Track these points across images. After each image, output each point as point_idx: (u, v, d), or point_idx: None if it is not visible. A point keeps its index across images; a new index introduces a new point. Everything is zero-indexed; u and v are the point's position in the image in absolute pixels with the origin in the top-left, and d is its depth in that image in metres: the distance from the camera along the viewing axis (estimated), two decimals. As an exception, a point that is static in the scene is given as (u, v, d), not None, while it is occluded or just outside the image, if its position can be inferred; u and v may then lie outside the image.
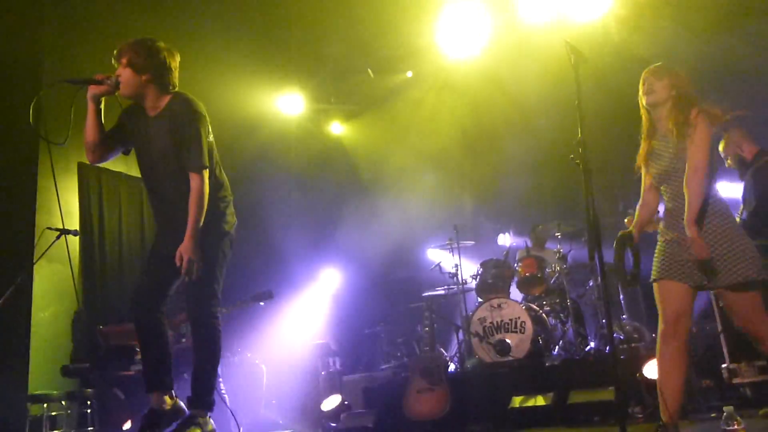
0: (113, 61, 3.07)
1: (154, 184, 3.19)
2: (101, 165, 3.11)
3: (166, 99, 3.11)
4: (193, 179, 3.02)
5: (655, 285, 2.92)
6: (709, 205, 2.80)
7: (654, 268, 2.92)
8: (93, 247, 6.28)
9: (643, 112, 2.99)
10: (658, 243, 2.95)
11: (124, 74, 3.00)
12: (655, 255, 2.94)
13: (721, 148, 4.30)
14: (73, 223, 6.05)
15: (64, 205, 5.63)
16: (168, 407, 3.02)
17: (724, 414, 2.55)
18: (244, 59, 7.42)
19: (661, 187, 2.95)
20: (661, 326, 2.87)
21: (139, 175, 3.29)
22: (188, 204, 3.00)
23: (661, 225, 2.99)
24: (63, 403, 5.13)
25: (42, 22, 6.26)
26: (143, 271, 3.37)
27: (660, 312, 2.90)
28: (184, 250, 2.94)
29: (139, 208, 6.89)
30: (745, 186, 4.18)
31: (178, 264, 2.94)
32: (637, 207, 3.11)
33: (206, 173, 3.05)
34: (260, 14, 7.17)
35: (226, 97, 7.02)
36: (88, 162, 3.24)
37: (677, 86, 2.88)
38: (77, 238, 5.55)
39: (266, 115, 8.14)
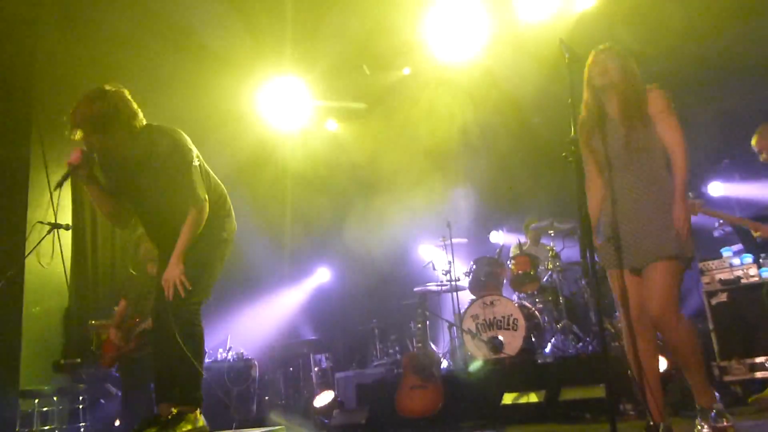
0: (73, 133, 2.99)
1: (144, 217, 3.25)
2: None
3: (138, 137, 3.06)
4: (192, 211, 3.05)
5: (611, 273, 2.83)
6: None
7: (606, 259, 2.82)
8: (85, 242, 6.26)
9: (590, 93, 2.89)
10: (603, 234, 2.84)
11: (96, 140, 2.97)
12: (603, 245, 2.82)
13: (754, 141, 4.24)
14: (66, 218, 6.02)
15: (56, 200, 5.60)
16: (171, 417, 3.03)
17: (714, 411, 2.57)
18: (240, 55, 7.40)
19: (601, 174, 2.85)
20: (625, 321, 2.79)
21: None
22: (176, 230, 3.06)
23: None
24: (54, 399, 5.12)
25: (36, 21, 6.22)
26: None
27: (620, 305, 2.82)
28: (168, 275, 3.00)
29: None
30: None
31: (165, 290, 3.00)
32: (589, 195, 2.92)
33: (206, 205, 3.08)
34: (259, 10, 7.12)
35: (220, 93, 7.02)
36: (117, 228, 3.29)
37: (631, 69, 2.82)
38: (69, 232, 5.52)
39: (261, 112, 8.13)
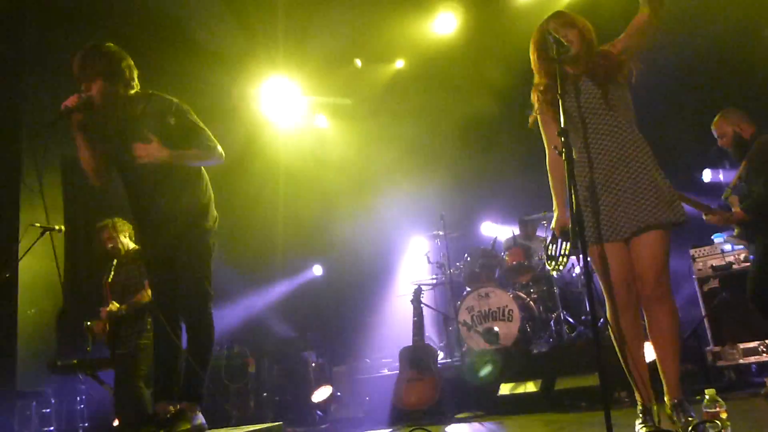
0: (78, 80, 3.00)
1: (135, 183, 3.18)
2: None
3: (138, 99, 3.09)
4: (207, 149, 3.09)
5: (592, 250, 2.61)
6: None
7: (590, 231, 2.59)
8: (79, 243, 6.23)
9: (545, 64, 2.72)
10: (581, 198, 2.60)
11: (96, 87, 2.95)
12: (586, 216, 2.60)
13: (714, 125, 4.15)
14: (58, 219, 6.00)
15: (49, 201, 5.59)
16: (170, 415, 3.03)
17: (707, 397, 2.58)
18: (231, 49, 7.38)
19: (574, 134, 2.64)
20: (608, 299, 2.64)
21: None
22: (166, 197, 3.06)
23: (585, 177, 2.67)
24: (53, 400, 5.12)
25: (23, 19, 6.17)
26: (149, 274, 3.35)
27: (603, 282, 2.65)
28: (149, 149, 2.92)
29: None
30: (747, 169, 3.98)
31: (139, 154, 2.92)
32: (555, 170, 2.84)
33: (221, 157, 3.12)
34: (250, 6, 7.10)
35: (212, 88, 6.99)
36: (95, 184, 3.18)
37: (589, 31, 2.71)
38: (62, 234, 5.50)
39: (254, 108, 8.12)
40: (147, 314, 4.36)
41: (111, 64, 2.99)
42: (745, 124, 4.01)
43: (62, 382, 5.45)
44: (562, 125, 2.43)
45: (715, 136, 4.12)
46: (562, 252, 2.71)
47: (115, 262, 4.56)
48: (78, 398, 5.25)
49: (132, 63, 3.10)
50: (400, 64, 8.27)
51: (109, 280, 4.49)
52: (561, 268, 2.78)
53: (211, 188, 3.33)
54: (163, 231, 3.07)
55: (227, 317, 7.54)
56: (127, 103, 3.07)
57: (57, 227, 4.35)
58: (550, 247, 2.76)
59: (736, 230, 4.05)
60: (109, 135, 3.12)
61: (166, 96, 3.13)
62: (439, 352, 5.77)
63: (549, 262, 2.78)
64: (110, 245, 4.54)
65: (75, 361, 4.69)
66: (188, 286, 3.10)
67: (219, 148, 3.13)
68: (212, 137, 3.14)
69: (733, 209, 3.93)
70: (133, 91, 3.09)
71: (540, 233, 6.50)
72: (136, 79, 3.12)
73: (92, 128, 3.07)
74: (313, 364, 6.87)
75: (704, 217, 3.97)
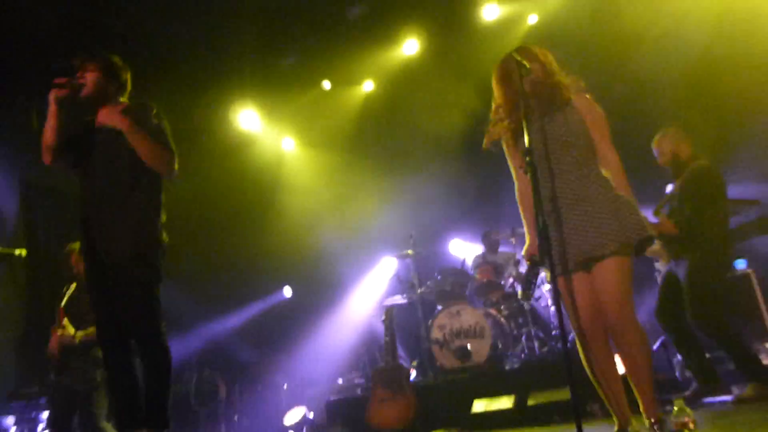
0: (75, 62, 3.15)
1: (97, 181, 3.16)
2: (47, 186, 3.07)
3: (122, 105, 3.23)
4: (164, 148, 3.13)
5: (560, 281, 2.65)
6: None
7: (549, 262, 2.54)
8: (40, 269, 6.07)
9: (509, 93, 2.79)
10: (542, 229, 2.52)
11: (92, 77, 3.12)
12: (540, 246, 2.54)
13: (655, 143, 4.26)
14: (19, 242, 5.86)
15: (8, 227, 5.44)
16: None
17: (675, 408, 2.63)
18: (199, 71, 7.34)
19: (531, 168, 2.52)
20: (575, 327, 2.69)
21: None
22: (124, 206, 3.07)
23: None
24: (13, 429, 4.93)
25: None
26: (94, 298, 3.19)
27: (569, 310, 2.70)
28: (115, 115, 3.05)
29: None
30: (679, 189, 4.13)
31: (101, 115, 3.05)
32: (524, 199, 2.88)
33: (175, 159, 3.15)
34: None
35: (178, 108, 6.92)
36: (45, 160, 3.17)
37: (550, 63, 2.81)
38: (23, 260, 5.37)
39: (221, 130, 8.09)
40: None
41: (113, 66, 3.21)
42: (683, 145, 4.17)
43: (22, 410, 5.25)
44: (527, 145, 2.49)
45: (655, 154, 4.25)
46: (529, 279, 2.74)
47: (73, 285, 4.44)
48: (39, 426, 5.06)
49: (129, 79, 3.29)
50: (368, 86, 8.35)
51: (62, 304, 4.37)
52: (530, 296, 2.83)
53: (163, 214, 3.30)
54: (114, 244, 3.03)
55: (196, 341, 7.41)
56: (110, 106, 3.16)
57: (17, 252, 4.24)
58: (526, 278, 2.79)
59: (657, 242, 4.13)
60: (85, 138, 3.18)
61: (151, 106, 3.22)
62: (411, 371, 5.76)
63: (523, 293, 2.82)
64: (76, 270, 4.43)
65: (36, 390, 4.54)
66: (140, 308, 3.04)
67: (176, 165, 3.16)
68: (175, 154, 3.17)
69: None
70: (122, 99, 3.23)
71: (504, 248, 6.58)
72: (127, 93, 3.27)
73: (69, 113, 3.15)
74: (285, 386, 6.79)
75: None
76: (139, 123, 3.09)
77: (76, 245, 4.46)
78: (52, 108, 3.07)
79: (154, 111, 3.19)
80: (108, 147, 3.14)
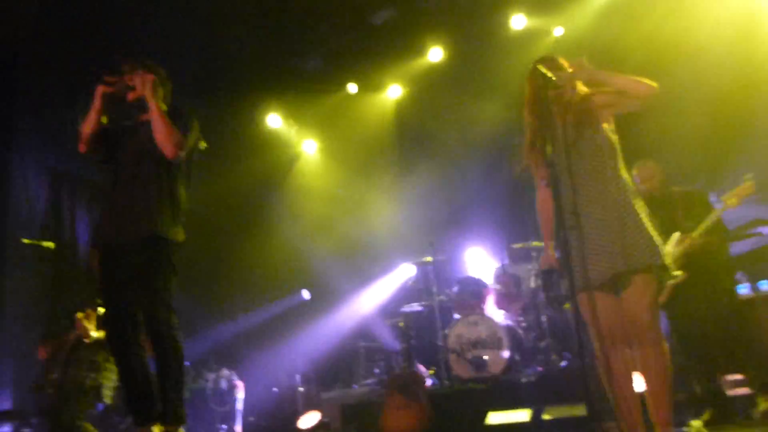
0: (126, 66, 3.26)
1: (130, 169, 3.26)
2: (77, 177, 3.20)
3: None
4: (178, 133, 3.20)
5: (581, 296, 2.65)
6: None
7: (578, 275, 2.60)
8: (66, 263, 6.16)
9: (538, 106, 2.78)
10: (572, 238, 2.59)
11: (140, 80, 3.19)
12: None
13: (645, 167, 4.24)
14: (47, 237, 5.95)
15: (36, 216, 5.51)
16: None
17: (693, 428, 2.61)
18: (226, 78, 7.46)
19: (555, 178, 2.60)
20: (597, 343, 2.71)
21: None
22: (150, 193, 3.16)
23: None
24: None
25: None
26: (106, 294, 3.25)
27: (591, 326, 2.71)
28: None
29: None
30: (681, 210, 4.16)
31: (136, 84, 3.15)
32: (541, 209, 2.94)
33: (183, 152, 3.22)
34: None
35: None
36: (81, 149, 3.30)
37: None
38: (51, 252, 5.47)
39: (247, 132, 8.21)
40: (99, 351, 4.32)
41: (161, 74, 3.31)
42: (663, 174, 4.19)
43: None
44: (549, 156, 2.50)
45: (639, 178, 4.16)
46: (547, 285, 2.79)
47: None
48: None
49: (171, 92, 3.41)
50: (393, 91, 8.38)
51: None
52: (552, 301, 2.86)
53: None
54: (133, 220, 3.12)
55: (214, 340, 7.49)
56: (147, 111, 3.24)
57: (46, 244, 4.34)
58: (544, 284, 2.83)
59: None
60: (129, 128, 3.33)
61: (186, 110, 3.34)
62: (427, 379, 5.74)
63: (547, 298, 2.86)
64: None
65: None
66: (154, 302, 3.10)
67: (182, 151, 3.22)
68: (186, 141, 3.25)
69: None
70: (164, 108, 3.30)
71: (527, 262, 6.54)
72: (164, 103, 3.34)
73: (112, 110, 3.30)
74: (301, 389, 6.81)
75: None
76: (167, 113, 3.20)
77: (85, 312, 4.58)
78: (97, 103, 3.21)
79: (195, 119, 3.31)
80: (141, 142, 3.24)
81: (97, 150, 3.31)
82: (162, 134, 3.13)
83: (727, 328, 4.02)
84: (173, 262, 3.20)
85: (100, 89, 3.20)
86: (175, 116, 3.23)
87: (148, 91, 3.15)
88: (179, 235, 3.24)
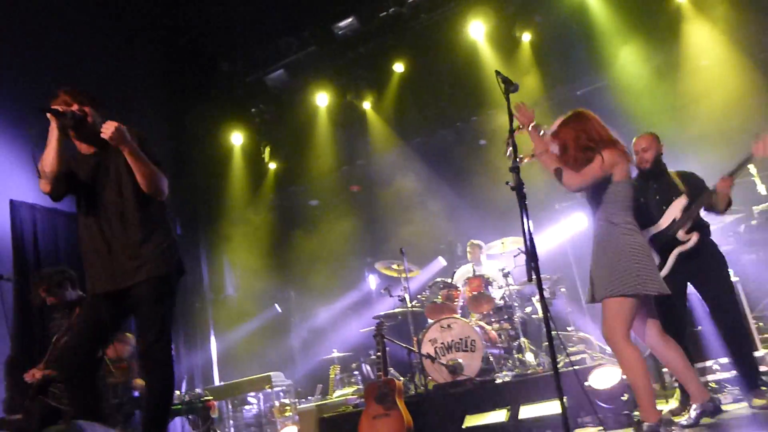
0: (62, 102, 3.13)
1: (99, 212, 3.17)
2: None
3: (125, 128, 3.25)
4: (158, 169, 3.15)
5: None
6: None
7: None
8: (27, 290, 6.00)
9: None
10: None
11: (88, 109, 3.14)
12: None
13: (644, 140, 4.21)
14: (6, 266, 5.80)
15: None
16: None
17: (661, 420, 2.65)
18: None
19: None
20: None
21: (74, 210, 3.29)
22: (133, 235, 3.08)
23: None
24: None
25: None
26: (80, 325, 3.21)
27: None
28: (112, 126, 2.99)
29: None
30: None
31: (107, 135, 2.97)
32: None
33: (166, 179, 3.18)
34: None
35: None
36: (43, 189, 3.16)
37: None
38: (10, 281, 5.33)
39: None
40: None
41: (96, 99, 3.22)
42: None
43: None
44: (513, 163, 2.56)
45: (637, 149, 4.16)
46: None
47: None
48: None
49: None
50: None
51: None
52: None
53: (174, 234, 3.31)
54: (118, 265, 3.04)
55: (186, 359, 7.36)
56: (95, 141, 3.17)
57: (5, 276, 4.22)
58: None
59: None
60: (86, 159, 3.22)
61: (136, 131, 3.22)
62: (403, 386, 5.73)
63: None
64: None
65: (20, 417, 4.49)
66: (151, 329, 3.04)
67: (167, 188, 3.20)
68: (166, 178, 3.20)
69: None
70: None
71: (493, 261, 6.61)
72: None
73: (70, 143, 3.18)
74: (277, 403, 6.73)
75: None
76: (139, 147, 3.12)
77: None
78: (55, 137, 3.06)
79: (145, 138, 3.21)
80: (109, 171, 3.16)
81: (62, 186, 3.16)
82: (148, 181, 3.07)
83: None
84: (173, 289, 3.16)
85: (56, 122, 3.05)
86: (139, 139, 3.15)
87: (122, 139, 3.00)
88: (174, 265, 3.17)
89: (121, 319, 3.18)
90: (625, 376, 3.24)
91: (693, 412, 3.29)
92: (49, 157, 3.07)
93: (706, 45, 6.77)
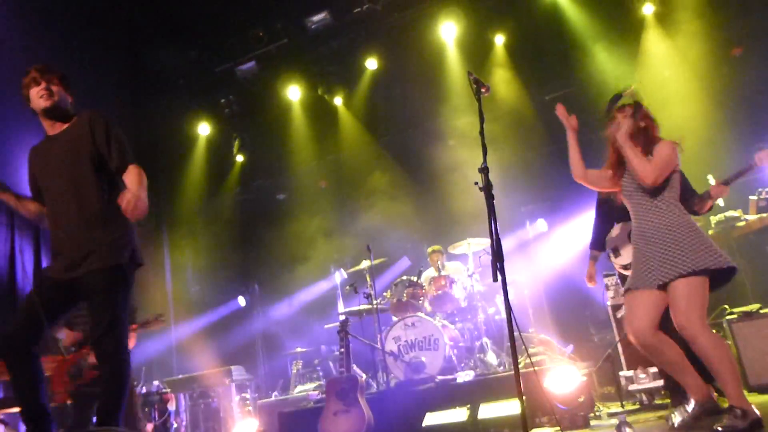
0: (32, 79, 3.12)
1: (56, 198, 3.13)
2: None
3: (72, 119, 3.22)
4: (130, 172, 3.07)
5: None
6: None
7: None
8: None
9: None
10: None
11: (57, 90, 3.12)
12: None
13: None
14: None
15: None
16: None
17: (618, 421, 2.71)
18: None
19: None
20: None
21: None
22: (88, 220, 3.03)
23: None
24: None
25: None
26: (23, 304, 3.13)
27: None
28: (130, 193, 2.93)
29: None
30: None
31: (124, 205, 2.89)
32: None
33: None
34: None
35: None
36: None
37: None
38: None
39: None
40: None
41: (65, 77, 3.19)
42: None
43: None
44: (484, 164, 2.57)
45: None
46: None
47: None
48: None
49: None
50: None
51: None
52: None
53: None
54: (77, 255, 2.99)
55: (144, 349, 7.23)
56: (61, 120, 3.18)
57: None
58: None
59: None
60: (47, 148, 3.19)
61: (100, 113, 3.19)
62: (365, 383, 5.74)
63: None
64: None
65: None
66: (103, 318, 2.97)
67: (133, 157, 3.17)
68: (130, 151, 3.17)
69: None
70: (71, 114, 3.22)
71: (458, 260, 6.67)
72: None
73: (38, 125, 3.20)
74: (237, 398, 6.67)
75: None
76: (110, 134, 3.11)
77: None
78: (15, 205, 3.19)
79: (112, 122, 3.18)
80: (68, 159, 3.10)
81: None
82: (131, 208, 2.95)
83: None
84: (127, 276, 3.09)
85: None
86: (97, 125, 3.12)
87: (139, 198, 2.91)
88: (129, 255, 3.10)
89: (72, 304, 3.13)
90: (711, 363, 2.94)
91: (691, 408, 3.12)
92: (22, 210, 3.23)
93: (666, 58, 6.95)
